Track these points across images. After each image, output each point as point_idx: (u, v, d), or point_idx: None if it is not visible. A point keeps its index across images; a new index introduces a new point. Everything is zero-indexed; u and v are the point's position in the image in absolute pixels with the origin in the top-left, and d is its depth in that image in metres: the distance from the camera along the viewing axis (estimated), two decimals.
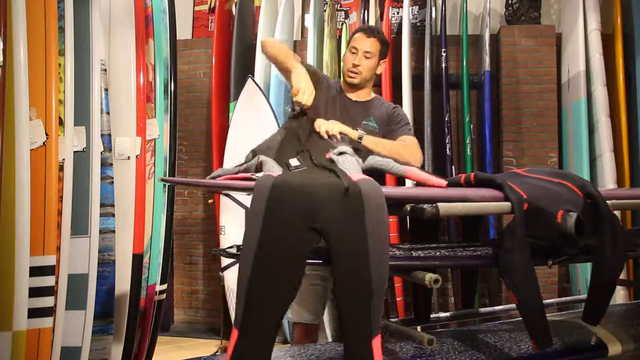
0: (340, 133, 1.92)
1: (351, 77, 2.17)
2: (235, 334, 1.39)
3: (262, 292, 1.38)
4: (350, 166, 1.65)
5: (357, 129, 2.03)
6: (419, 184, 1.77)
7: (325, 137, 1.87)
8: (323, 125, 1.90)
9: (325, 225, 1.42)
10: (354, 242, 1.41)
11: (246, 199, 3.54)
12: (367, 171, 1.74)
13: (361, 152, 1.81)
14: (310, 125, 1.92)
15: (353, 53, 2.16)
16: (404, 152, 2.04)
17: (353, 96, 2.23)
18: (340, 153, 1.72)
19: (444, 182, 1.71)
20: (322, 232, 1.42)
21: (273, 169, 1.63)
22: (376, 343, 1.39)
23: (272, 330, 1.40)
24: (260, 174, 1.65)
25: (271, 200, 1.41)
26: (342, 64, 2.24)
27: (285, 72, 2.05)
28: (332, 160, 1.69)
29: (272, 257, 1.40)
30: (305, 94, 1.89)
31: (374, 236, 1.42)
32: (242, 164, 1.71)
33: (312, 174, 1.61)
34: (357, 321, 1.41)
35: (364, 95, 2.24)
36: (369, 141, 2.00)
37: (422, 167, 1.91)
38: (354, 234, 1.41)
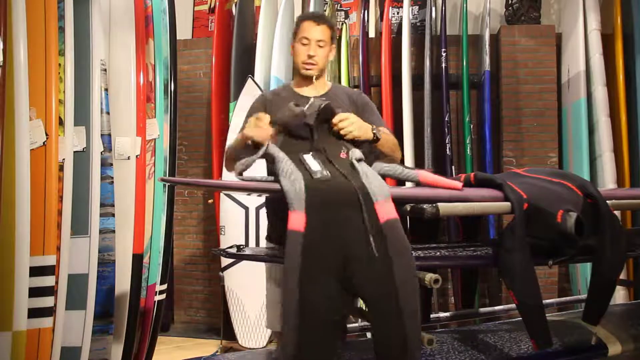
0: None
1: (308, 69, 2.02)
2: None
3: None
4: (371, 176, 1.62)
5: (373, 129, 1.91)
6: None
7: (337, 130, 1.77)
8: (341, 124, 1.78)
9: (358, 282, 1.50)
10: (385, 299, 1.49)
11: (246, 199, 3.56)
12: None
13: (368, 158, 1.76)
14: (319, 114, 1.79)
15: (305, 44, 2.02)
16: (398, 150, 2.03)
17: (309, 91, 2.08)
18: (359, 159, 1.68)
19: (459, 184, 1.67)
20: (357, 288, 1.51)
21: (288, 172, 1.58)
22: None
23: None
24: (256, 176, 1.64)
25: (304, 270, 1.48)
26: (293, 57, 2.08)
27: (246, 141, 1.83)
28: (352, 164, 1.65)
29: (315, 323, 1.47)
30: (260, 132, 1.73)
31: (404, 289, 1.49)
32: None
33: (340, 217, 1.55)
34: None
35: (321, 86, 2.10)
36: (382, 142, 1.91)
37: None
38: (385, 292, 1.49)
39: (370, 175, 1.61)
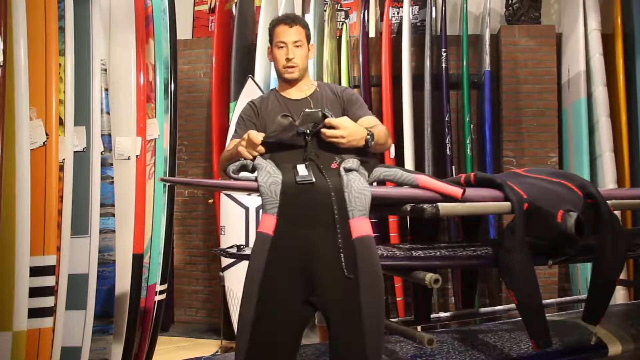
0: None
1: (290, 72, 2.01)
2: None
3: None
4: (355, 189, 1.58)
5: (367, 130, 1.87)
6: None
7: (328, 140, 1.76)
8: (330, 134, 1.74)
9: (322, 299, 1.49)
10: (349, 319, 1.47)
11: (246, 199, 3.56)
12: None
13: (368, 163, 1.74)
14: (315, 124, 1.78)
15: (281, 47, 2.00)
16: (388, 140, 2.00)
17: (295, 93, 2.07)
18: (348, 170, 1.66)
19: (459, 192, 1.64)
20: (319, 304, 1.50)
21: (268, 178, 1.57)
22: None
23: None
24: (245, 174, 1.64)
25: (267, 275, 1.47)
26: (273, 63, 2.08)
27: (238, 157, 1.81)
28: (339, 173, 1.64)
29: (269, 332, 1.46)
30: (252, 154, 1.72)
31: (369, 311, 1.47)
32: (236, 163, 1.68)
33: (312, 232, 1.53)
34: None
35: (307, 87, 2.09)
36: (376, 137, 1.86)
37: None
38: (350, 311, 1.47)
39: (354, 189, 1.58)
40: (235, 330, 1.44)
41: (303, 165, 1.64)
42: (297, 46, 1.99)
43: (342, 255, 1.49)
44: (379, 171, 1.73)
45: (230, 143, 2.02)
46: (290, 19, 2.01)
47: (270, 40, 2.04)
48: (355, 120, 1.93)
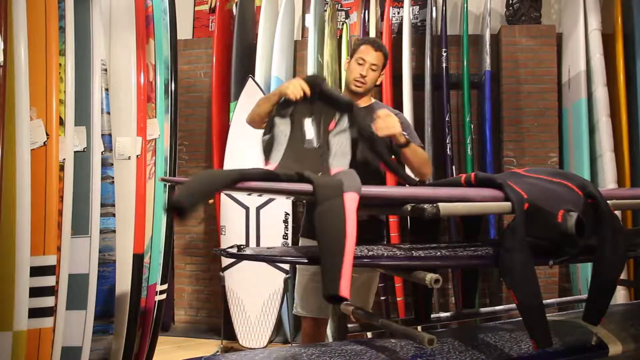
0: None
1: (358, 86, 2.25)
2: None
3: None
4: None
5: (403, 134, 2.12)
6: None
7: (381, 135, 2.00)
8: (384, 124, 2.03)
9: None
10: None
11: (247, 198, 3.56)
12: (362, 163, 1.99)
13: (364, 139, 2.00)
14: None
15: (360, 64, 2.24)
16: (428, 165, 2.23)
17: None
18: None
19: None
20: None
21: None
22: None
23: None
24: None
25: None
26: (346, 72, 2.33)
27: (267, 106, 2.09)
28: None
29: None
30: (291, 86, 1.98)
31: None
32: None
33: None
34: None
35: (364, 102, 2.32)
36: (411, 150, 2.14)
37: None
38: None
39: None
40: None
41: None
42: (373, 70, 2.25)
43: None
44: None
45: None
46: (377, 45, 2.28)
47: (352, 54, 2.30)
48: None
